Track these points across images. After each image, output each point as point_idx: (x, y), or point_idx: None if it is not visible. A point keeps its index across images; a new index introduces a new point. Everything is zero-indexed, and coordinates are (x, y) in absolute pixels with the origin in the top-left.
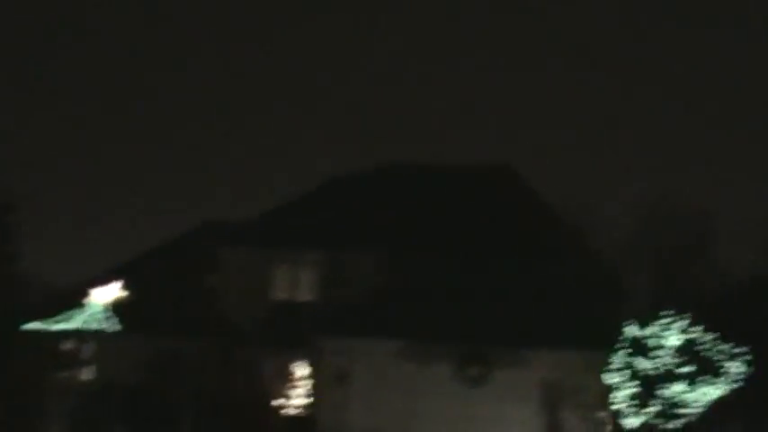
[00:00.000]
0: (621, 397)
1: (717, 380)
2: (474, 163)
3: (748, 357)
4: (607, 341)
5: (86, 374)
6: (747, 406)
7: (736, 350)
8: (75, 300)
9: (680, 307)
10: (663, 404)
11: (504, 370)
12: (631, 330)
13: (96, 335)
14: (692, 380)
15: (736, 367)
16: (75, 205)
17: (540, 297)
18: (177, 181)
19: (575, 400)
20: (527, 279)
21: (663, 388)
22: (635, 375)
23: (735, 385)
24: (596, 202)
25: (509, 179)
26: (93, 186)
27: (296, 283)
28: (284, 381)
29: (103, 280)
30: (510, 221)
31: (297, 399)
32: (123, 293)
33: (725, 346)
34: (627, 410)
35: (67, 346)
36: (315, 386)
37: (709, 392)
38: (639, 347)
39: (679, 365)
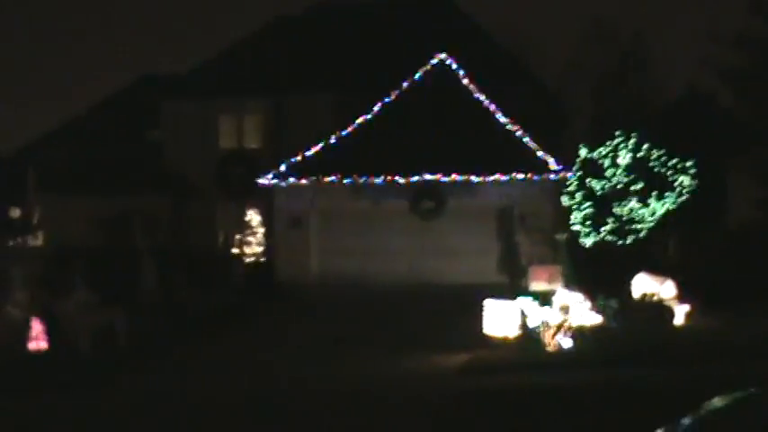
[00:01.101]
0: (577, 218)
1: (667, 194)
2: None
3: (693, 170)
4: (557, 165)
5: (37, 240)
6: (682, 218)
7: (683, 164)
8: (15, 166)
9: (625, 126)
10: (617, 222)
11: (458, 201)
12: (583, 152)
13: (42, 200)
14: (643, 196)
15: (683, 181)
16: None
17: (487, 127)
18: (111, 36)
19: (529, 224)
20: (473, 110)
21: (616, 206)
22: (589, 196)
23: (682, 198)
24: (532, 30)
25: (448, 9)
26: (21, 48)
27: (242, 132)
28: (239, 230)
29: (42, 144)
30: (452, 53)
31: (253, 246)
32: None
33: (673, 161)
34: (583, 230)
35: (16, 212)
36: (270, 232)
37: (660, 207)
38: (592, 168)
39: (630, 183)
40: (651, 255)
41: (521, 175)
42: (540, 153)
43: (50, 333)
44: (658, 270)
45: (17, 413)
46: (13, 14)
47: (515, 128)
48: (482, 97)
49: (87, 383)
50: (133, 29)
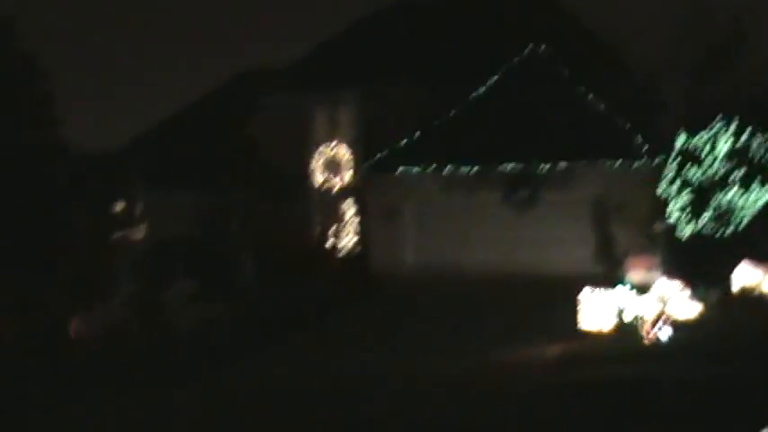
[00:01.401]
0: (675, 208)
1: None
2: None
3: None
4: (653, 152)
5: (139, 233)
6: None
7: None
8: (120, 162)
9: (724, 112)
10: (716, 211)
11: (552, 190)
12: (681, 140)
13: (145, 194)
14: (744, 185)
15: None
16: (107, 69)
17: (582, 114)
18: (209, 35)
19: (625, 214)
20: (569, 98)
21: (716, 195)
22: (687, 185)
23: None
24: (628, 14)
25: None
26: (123, 47)
27: (336, 124)
28: (334, 222)
29: (145, 140)
30: (546, 41)
31: (349, 238)
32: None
33: None
34: (681, 220)
35: (119, 206)
36: (365, 224)
37: (762, 196)
38: (690, 156)
39: (730, 171)
40: (753, 245)
41: (617, 164)
42: (636, 141)
43: (153, 323)
44: (762, 260)
45: (125, 405)
46: (113, 14)
47: (612, 115)
48: (577, 85)
49: (189, 373)
50: (233, 25)
